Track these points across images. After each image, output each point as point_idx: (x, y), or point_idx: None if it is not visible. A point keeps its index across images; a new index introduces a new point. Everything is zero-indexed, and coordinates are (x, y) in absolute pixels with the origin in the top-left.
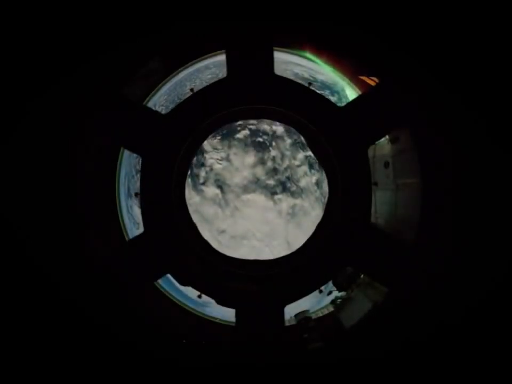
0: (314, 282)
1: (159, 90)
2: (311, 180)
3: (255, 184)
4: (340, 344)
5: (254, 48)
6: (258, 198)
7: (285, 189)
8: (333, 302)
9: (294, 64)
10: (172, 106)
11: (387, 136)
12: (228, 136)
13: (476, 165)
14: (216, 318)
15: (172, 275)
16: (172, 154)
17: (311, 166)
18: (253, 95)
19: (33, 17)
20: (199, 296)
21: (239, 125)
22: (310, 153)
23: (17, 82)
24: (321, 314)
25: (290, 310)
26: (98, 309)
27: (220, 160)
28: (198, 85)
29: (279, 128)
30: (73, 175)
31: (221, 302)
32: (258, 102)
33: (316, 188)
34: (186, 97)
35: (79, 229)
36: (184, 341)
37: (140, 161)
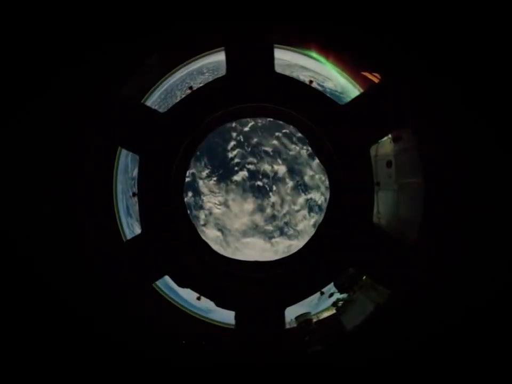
0: (316, 284)
1: (158, 89)
2: (309, 222)
3: (254, 230)
4: (341, 347)
5: (253, 45)
6: (257, 241)
7: (282, 233)
8: (334, 304)
9: (299, 67)
10: (170, 105)
11: (389, 135)
12: (225, 179)
13: (478, 165)
14: (216, 320)
15: (171, 277)
16: (171, 153)
17: (310, 209)
18: (253, 93)
19: (31, 17)
20: (198, 298)
21: (237, 163)
22: (311, 195)
23: (15, 82)
24: (322, 317)
25: (291, 313)
26: (96, 311)
27: (219, 204)
28: (197, 83)
29: (281, 168)
30: (71, 175)
31: (220, 304)
32: (258, 100)
33: (313, 229)
34: (185, 96)
35: (76, 229)
36: (183, 341)
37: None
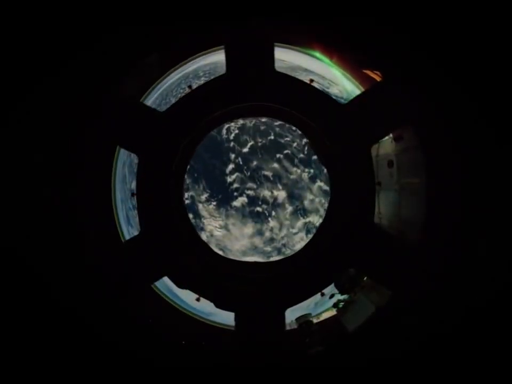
0: (316, 285)
1: (157, 88)
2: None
3: (253, 250)
4: (342, 348)
5: (253, 44)
6: (257, 260)
7: (280, 253)
8: (335, 305)
9: (303, 70)
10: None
11: (391, 135)
12: (225, 204)
13: (481, 164)
14: (216, 322)
15: (170, 277)
16: (170, 153)
17: (308, 231)
18: (253, 92)
19: (30, 16)
20: (198, 299)
21: (236, 189)
22: (310, 219)
23: (14, 81)
24: (323, 318)
25: (292, 314)
26: (94, 312)
27: (219, 228)
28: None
29: (281, 194)
30: (70, 174)
31: (220, 305)
32: (258, 99)
33: None
34: (184, 95)
35: (75, 229)
36: (183, 342)
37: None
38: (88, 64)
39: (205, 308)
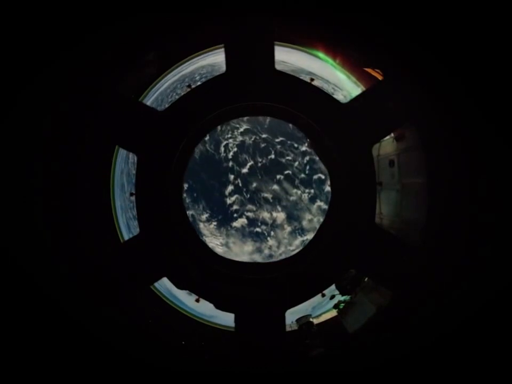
0: (317, 286)
1: (153, 92)
2: None
3: None
4: (343, 350)
5: (253, 42)
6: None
7: None
8: (335, 306)
9: (307, 74)
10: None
11: (392, 134)
12: (225, 224)
13: (483, 164)
14: (215, 323)
15: (169, 278)
16: (169, 153)
17: None
18: (253, 91)
19: (29, 16)
20: (197, 300)
21: (236, 210)
22: (307, 237)
23: (12, 80)
24: (323, 319)
25: (292, 315)
26: (92, 313)
27: (220, 245)
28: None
29: (280, 215)
30: (68, 174)
31: (220, 306)
32: (258, 98)
33: None
34: (183, 94)
35: (73, 231)
36: (183, 342)
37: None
38: (85, 61)
39: (204, 309)
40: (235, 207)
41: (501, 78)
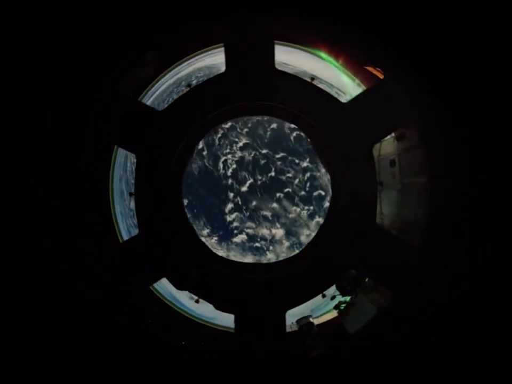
0: (317, 286)
1: (153, 91)
2: None
3: None
4: (344, 351)
5: (253, 41)
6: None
7: None
8: (336, 306)
9: (310, 77)
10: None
11: (393, 134)
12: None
13: (484, 163)
14: (215, 324)
15: (168, 279)
16: (168, 152)
17: None
18: (253, 90)
19: (29, 16)
20: (197, 301)
21: (236, 227)
22: None
23: (12, 76)
24: (324, 320)
25: (292, 316)
26: (92, 314)
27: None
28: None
29: (278, 232)
30: (67, 174)
31: (220, 307)
32: (258, 97)
33: None
34: (183, 93)
35: (72, 231)
36: (183, 342)
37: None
38: (85, 61)
39: (204, 310)
40: (235, 224)
41: (501, 78)
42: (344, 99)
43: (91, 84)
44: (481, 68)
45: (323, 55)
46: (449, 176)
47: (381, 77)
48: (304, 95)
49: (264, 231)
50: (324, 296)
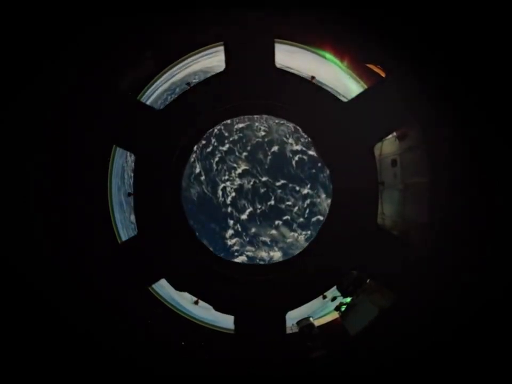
0: (318, 288)
1: (156, 87)
2: None
3: None
4: (344, 352)
5: (253, 39)
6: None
7: None
8: (337, 308)
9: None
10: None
11: (394, 133)
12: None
13: (488, 163)
14: (215, 325)
15: (167, 280)
16: (168, 152)
17: None
18: (253, 89)
19: (30, 16)
20: (196, 302)
21: (236, 250)
22: None
23: (12, 76)
24: (324, 321)
25: (293, 317)
26: (91, 315)
27: None
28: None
29: (276, 254)
30: (66, 173)
31: (219, 308)
32: (258, 96)
33: None
34: (182, 92)
35: (69, 231)
36: (182, 343)
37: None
38: (85, 61)
39: (203, 311)
40: (235, 247)
41: (501, 78)
42: (344, 98)
43: (91, 84)
44: (481, 68)
45: (328, 56)
46: (449, 176)
47: (382, 74)
48: (305, 94)
49: (263, 254)
50: (324, 297)
